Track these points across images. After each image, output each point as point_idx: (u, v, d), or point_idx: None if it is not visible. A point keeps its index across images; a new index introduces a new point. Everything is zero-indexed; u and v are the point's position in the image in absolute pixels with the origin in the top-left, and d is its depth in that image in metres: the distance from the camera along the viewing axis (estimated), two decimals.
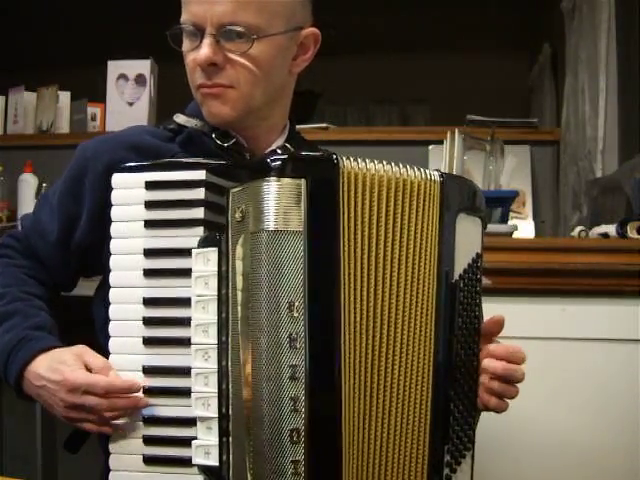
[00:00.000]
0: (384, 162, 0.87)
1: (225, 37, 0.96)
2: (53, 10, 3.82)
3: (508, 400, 0.93)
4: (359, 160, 0.86)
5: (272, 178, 0.81)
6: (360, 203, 0.85)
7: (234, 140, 1.04)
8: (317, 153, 0.89)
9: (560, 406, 1.57)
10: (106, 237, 0.94)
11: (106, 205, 0.95)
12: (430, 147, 2.46)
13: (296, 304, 0.79)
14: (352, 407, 0.83)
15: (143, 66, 2.58)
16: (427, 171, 0.90)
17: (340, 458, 0.81)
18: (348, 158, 0.85)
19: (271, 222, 0.80)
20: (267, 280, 0.80)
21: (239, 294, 0.83)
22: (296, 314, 0.79)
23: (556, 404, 1.57)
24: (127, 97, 2.57)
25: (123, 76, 2.57)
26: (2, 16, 3.83)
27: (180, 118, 1.06)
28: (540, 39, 3.71)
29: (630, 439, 1.52)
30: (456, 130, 1.98)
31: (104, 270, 0.96)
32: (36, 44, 4.16)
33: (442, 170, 0.94)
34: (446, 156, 1.97)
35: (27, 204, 2.34)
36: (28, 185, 2.36)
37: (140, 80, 2.57)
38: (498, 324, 0.94)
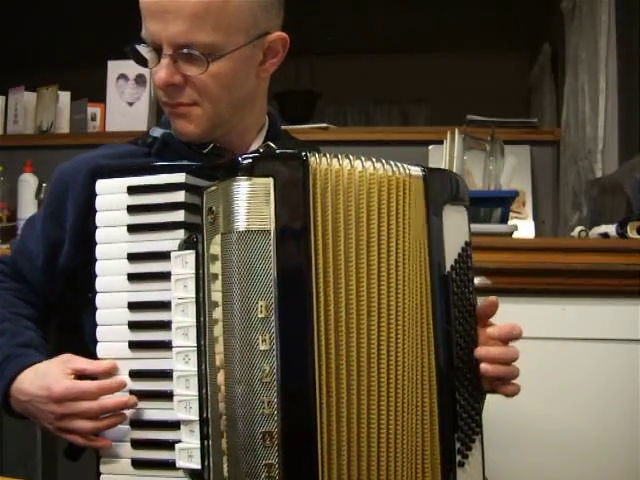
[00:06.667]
0: (362, 159, 0.85)
1: (182, 59, 0.93)
2: (53, 10, 3.82)
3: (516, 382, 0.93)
4: (336, 157, 0.84)
5: (241, 177, 0.80)
6: (334, 201, 0.82)
7: (212, 145, 1.02)
8: (288, 151, 0.87)
9: (560, 406, 1.57)
10: (91, 257, 0.92)
11: (88, 225, 0.94)
12: (430, 147, 2.46)
13: (268, 305, 0.78)
14: (332, 407, 0.80)
15: None
16: (407, 167, 0.89)
17: (316, 462, 0.79)
18: (325, 155, 0.83)
19: (241, 222, 0.79)
20: (239, 281, 0.79)
21: (214, 296, 0.82)
22: (268, 315, 0.78)
23: (556, 404, 1.56)
24: (127, 97, 2.57)
25: (123, 76, 2.57)
26: (2, 16, 3.83)
27: (157, 132, 1.05)
28: (540, 39, 3.72)
29: (630, 439, 1.52)
30: (456, 130, 1.98)
31: (92, 285, 0.95)
32: (36, 44, 4.17)
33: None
34: (446, 156, 1.97)
35: (27, 204, 2.34)
36: (28, 185, 2.36)
37: (140, 80, 2.56)
38: (492, 306, 0.94)
